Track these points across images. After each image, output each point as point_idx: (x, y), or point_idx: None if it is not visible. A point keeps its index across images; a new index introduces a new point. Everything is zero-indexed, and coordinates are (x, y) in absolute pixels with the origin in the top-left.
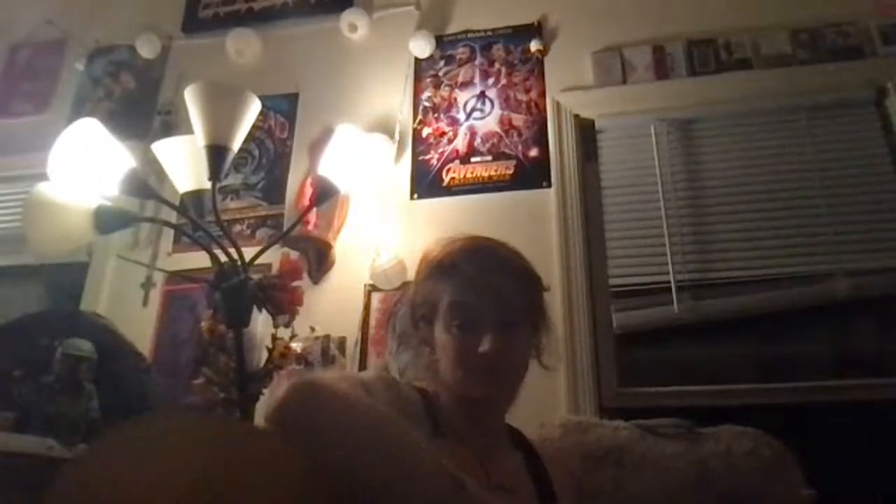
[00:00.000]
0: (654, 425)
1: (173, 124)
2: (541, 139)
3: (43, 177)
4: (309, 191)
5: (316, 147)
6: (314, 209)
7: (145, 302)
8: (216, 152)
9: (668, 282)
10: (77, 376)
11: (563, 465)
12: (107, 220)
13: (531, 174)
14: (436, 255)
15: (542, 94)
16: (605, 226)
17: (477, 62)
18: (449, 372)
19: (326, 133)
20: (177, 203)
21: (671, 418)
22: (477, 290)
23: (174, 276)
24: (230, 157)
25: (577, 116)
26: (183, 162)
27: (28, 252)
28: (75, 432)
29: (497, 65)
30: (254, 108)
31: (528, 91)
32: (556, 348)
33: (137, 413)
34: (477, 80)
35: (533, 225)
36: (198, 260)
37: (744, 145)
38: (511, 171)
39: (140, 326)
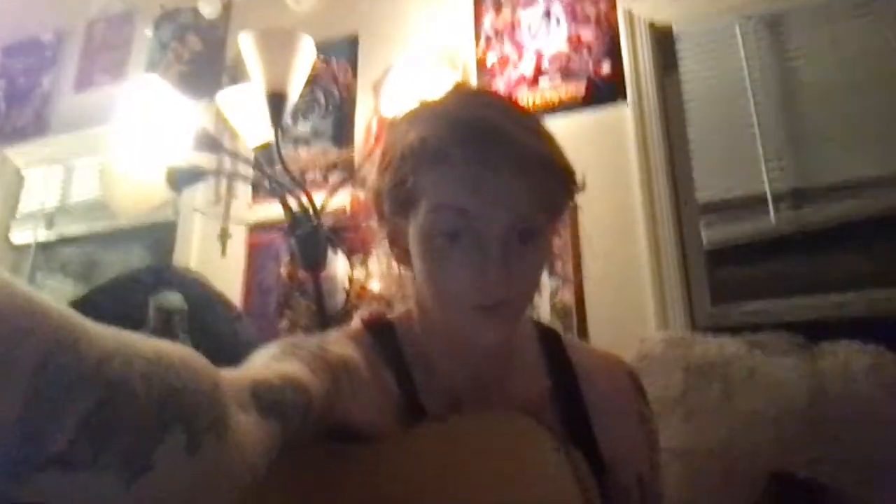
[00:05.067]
0: (763, 340)
1: (241, 78)
2: (613, 53)
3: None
4: (374, 131)
5: (380, 86)
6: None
7: (223, 252)
8: (275, 100)
9: (763, 192)
10: (171, 328)
11: (617, 405)
12: (178, 178)
13: (603, 92)
14: (417, 130)
15: (613, 5)
16: (689, 138)
17: None
18: (428, 302)
19: (389, 72)
20: (252, 158)
21: (781, 332)
22: (478, 190)
23: (257, 228)
24: (289, 104)
25: (652, 24)
26: (249, 114)
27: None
28: None
29: None
30: (308, 51)
31: (595, 2)
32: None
33: (231, 358)
34: None
35: (609, 145)
36: (277, 209)
37: (838, 38)
38: (582, 91)
39: (227, 277)
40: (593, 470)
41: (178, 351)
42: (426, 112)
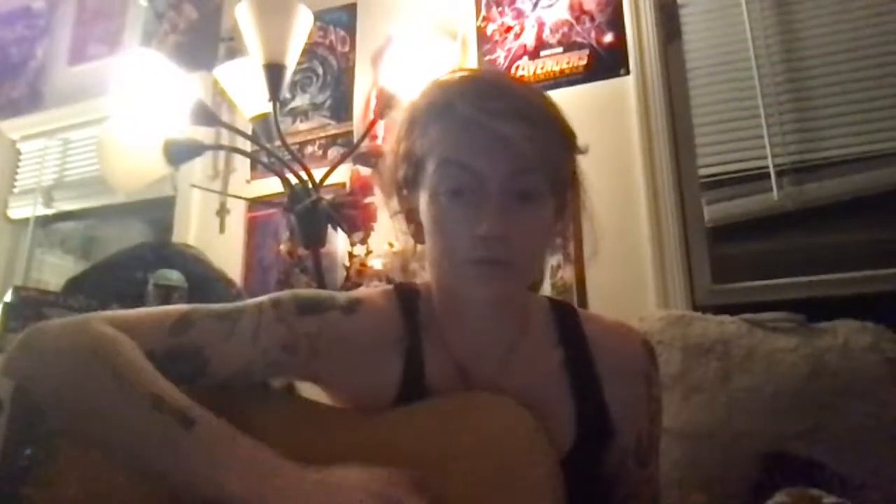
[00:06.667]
0: (763, 319)
1: (238, 50)
2: (616, 22)
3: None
4: (374, 104)
5: (379, 58)
6: (381, 122)
7: (222, 229)
8: (273, 71)
9: (767, 167)
10: (170, 305)
11: (626, 367)
12: (175, 152)
13: (607, 63)
14: (428, 92)
15: None
16: (692, 111)
17: None
18: (435, 260)
19: (388, 42)
20: (250, 130)
21: (781, 312)
22: (478, 141)
23: (256, 203)
24: (287, 74)
25: None
26: (247, 86)
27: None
28: None
29: None
30: (305, 21)
31: None
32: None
33: None
34: None
35: (611, 118)
36: (276, 185)
37: (845, 5)
38: (584, 62)
39: (226, 253)
40: (601, 435)
41: None
42: (434, 83)
